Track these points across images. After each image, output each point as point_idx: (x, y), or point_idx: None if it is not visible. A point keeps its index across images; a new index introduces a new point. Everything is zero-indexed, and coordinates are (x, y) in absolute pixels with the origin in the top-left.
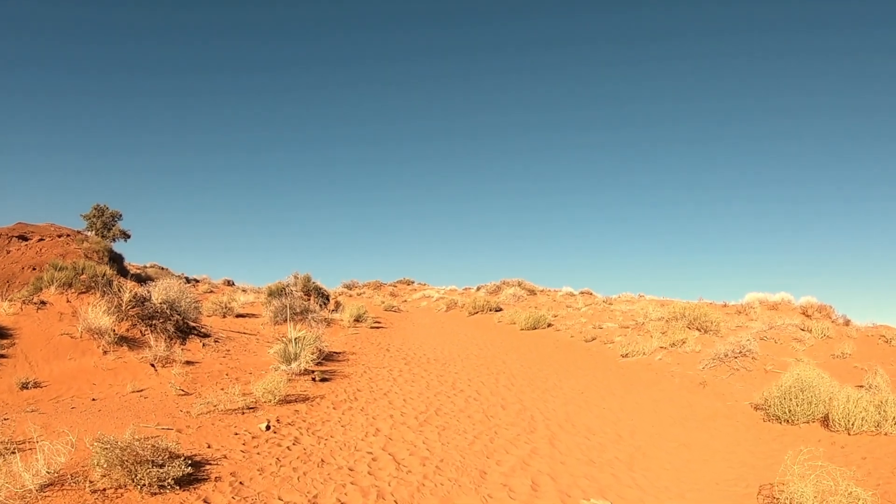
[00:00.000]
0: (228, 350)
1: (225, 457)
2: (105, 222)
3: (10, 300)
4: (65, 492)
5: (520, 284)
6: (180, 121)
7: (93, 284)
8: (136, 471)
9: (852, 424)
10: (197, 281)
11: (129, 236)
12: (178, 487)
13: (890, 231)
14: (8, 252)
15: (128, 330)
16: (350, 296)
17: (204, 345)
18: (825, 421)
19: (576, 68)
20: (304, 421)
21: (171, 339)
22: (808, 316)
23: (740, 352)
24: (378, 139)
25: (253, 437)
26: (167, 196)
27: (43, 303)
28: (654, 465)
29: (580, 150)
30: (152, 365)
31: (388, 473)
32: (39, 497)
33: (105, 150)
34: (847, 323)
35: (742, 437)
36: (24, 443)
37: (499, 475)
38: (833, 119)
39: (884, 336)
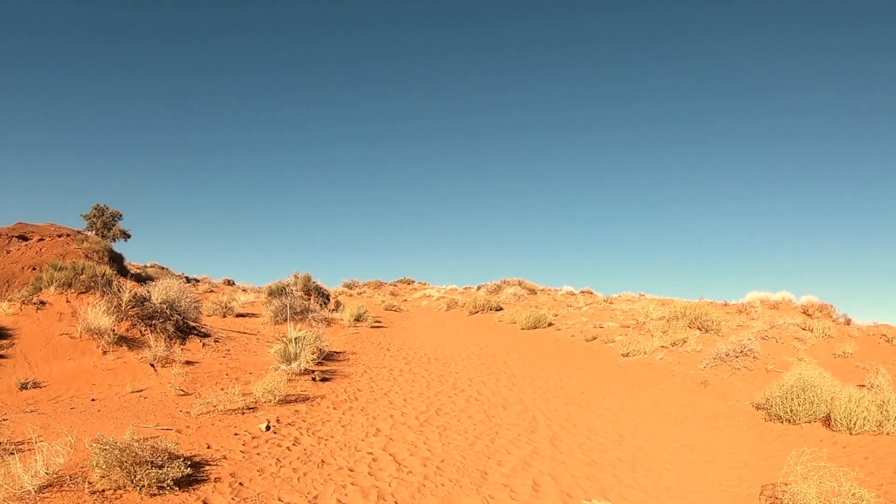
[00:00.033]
0: (228, 350)
1: (225, 457)
2: (105, 222)
3: (10, 300)
4: (64, 493)
5: (520, 284)
6: (180, 121)
7: (92, 284)
8: (136, 472)
9: (854, 424)
10: (197, 280)
11: (129, 236)
12: (177, 488)
13: (890, 230)
14: (8, 252)
15: (127, 330)
16: (350, 295)
17: (204, 345)
18: (827, 421)
19: (576, 68)
20: (305, 421)
21: (171, 339)
22: (808, 315)
23: (741, 351)
24: (378, 139)
25: (253, 438)
26: (167, 196)
27: (42, 303)
28: (656, 465)
29: (580, 150)
30: (152, 365)
31: (389, 474)
32: (38, 498)
33: (105, 150)
34: (848, 322)
35: (744, 436)
36: (22, 443)
37: (500, 476)
38: (833, 119)
39: (885, 335)
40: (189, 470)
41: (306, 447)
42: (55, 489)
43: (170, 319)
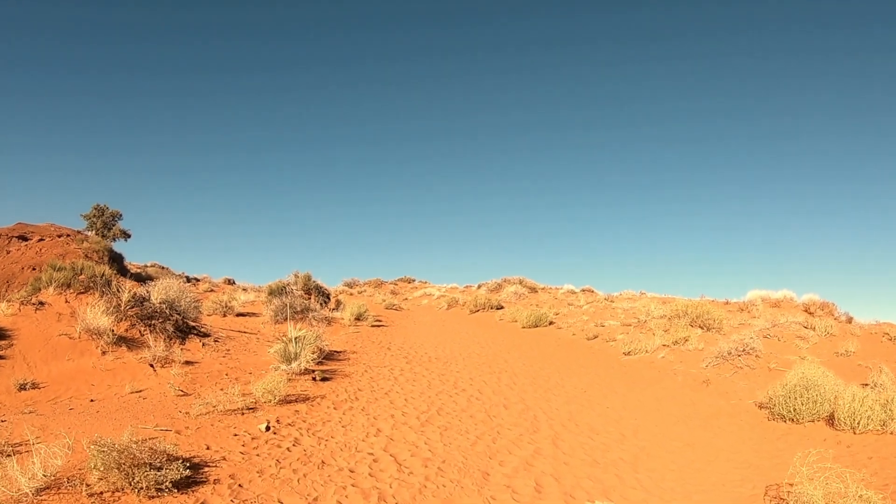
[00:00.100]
0: (228, 349)
1: (224, 458)
2: (105, 222)
3: (9, 301)
4: (61, 495)
5: (521, 282)
6: (180, 121)
7: (91, 284)
8: (134, 474)
9: (858, 423)
10: (197, 280)
11: (129, 236)
12: (175, 490)
13: (891, 228)
14: (8, 252)
15: (127, 330)
16: (351, 294)
17: (203, 344)
18: (830, 420)
19: (576, 68)
20: (305, 421)
21: (171, 339)
22: (810, 313)
23: (743, 350)
24: (378, 139)
25: (252, 439)
26: (167, 196)
27: (41, 303)
28: (659, 465)
29: (580, 150)
30: (151, 365)
31: (390, 475)
32: (36, 501)
33: (105, 150)
34: (850, 320)
35: (746, 436)
36: (20, 445)
37: (502, 476)
38: (833, 118)
39: (887, 333)
40: (188, 471)
41: (306, 448)
42: (53, 491)
43: (169, 319)
